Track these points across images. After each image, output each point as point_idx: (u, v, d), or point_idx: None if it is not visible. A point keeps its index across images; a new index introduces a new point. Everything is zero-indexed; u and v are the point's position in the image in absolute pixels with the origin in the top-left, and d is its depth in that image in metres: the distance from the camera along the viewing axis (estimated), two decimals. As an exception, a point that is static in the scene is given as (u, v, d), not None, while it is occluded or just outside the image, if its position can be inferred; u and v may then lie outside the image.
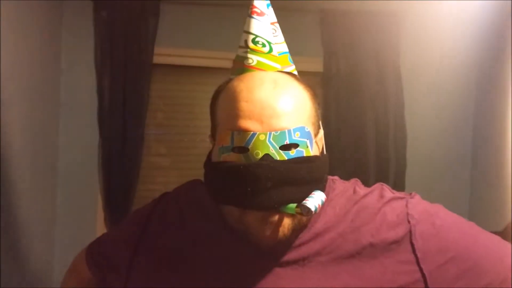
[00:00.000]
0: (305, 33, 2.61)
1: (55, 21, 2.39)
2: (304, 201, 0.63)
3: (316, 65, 2.61)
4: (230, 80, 0.75)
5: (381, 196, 0.75)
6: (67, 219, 2.49)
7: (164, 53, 2.55)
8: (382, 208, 0.72)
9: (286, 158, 0.64)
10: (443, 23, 2.52)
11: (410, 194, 0.77)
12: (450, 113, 2.62)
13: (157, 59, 2.50)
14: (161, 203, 0.86)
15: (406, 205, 0.73)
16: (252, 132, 0.64)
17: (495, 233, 0.76)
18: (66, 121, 2.49)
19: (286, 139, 0.64)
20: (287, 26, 2.53)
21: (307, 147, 0.66)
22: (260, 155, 0.63)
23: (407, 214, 0.71)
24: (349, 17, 2.54)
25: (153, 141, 2.67)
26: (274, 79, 0.69)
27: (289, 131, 0.64)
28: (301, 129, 0.66)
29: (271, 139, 0.64)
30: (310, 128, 0.68)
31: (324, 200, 0.65)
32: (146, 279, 0.77)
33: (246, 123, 0.64)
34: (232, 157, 0.66)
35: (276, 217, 0.66)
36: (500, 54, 2.04)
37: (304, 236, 0.70)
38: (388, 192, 0.76)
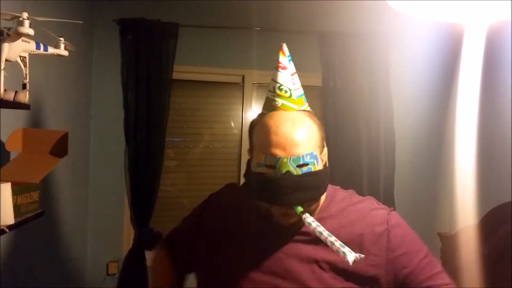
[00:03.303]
0: (306, 52, 2.94)
1: (86, 42, 2.70)
2: (306, 215, 0.97)
3: (316, 80, 2.95)
4: (263, 114, 1.06)
5: (371, 205, 1.12)
6: (98, 217, 2.82)
7: (182, 70, 2.88)
8: (371, 212, 1.10)
9: (300, 173, 0.96)
10: (425, 42, 2.86)
11: (390, 208, 1.14)
12: (434, 122, 2.97)
13: (176, 76, 2.83)
14: (210, 201, 1.27)
15: (388, 214, 1.10)
16: (278, 156, 0.96)
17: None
18: (96, 131, 2.81)
19: (300, 161, 0.96)
20: (290, 45, 2.90)
21: (314, 164, 0.98)
22: (283, 171, 0.96)
23: (387, 220, 1.08)
24: (344, 38, 2.88)
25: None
26: (293, 118, 1.01)
27: (303, 156, 0.96)
28: (310, 153, 0.98)
29: (291, 161, 0.96)
30: (316, 151, 1.00)
31: (311, 221, 0.98)
32: (207, 249, 1.14)
33: (275, 150, 0.97)
34: (265, 170, 0.98)
35: (290, 211, 0.99)
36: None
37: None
38: (375, 204, 1.13)
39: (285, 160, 0.95)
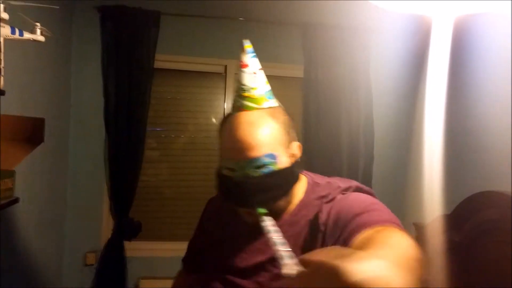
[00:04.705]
0: (289, 43, 2.96)
1: (65, 29, 2.66)
2: (265, 218, 0.93)
3: (298, 72, 2.97)
4: (228, 116, 1.06)
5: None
6: (76, 206, 2.79)
7: (164, 59, 2.86)
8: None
9: (261, 174, 0.96)
10: (405, 36, 2.89)
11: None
12: (411, 113, 3.00)
13: (157, 64, 2.80)
14: (207, 204, 1.28)
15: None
16: (236, 160, 0.97)
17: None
18: (75, 120, 2.78)
19: (258, 163, 0.96)
20: (274, 37, 2.93)
21: (275, 164, 0.97)
22: (243, 174, 0.97)
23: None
24: (327, 31, 2.90)
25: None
26: (251, 120, 0.99)
27: (260, 157, 0.96)
28: (269, 154, 0.97)
29: (248, 164, 0.96)
30: (278, 150, 0.98)
31: (268, 225, 0.92)
32: (207, 249, 1.16)
33: (232, 154, 0.98)
34: (228, 173, 1.00)
35: (254, 211, 0.97)
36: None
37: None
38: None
39: (242, 163, 0.96)
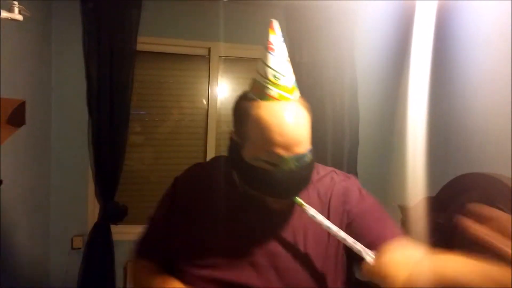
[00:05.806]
0: (273, 25, 2.93)
1: (45, 9, 2.58)
2: (308, 207, 0.98)
3: (282, 54, 2.94)
4: (254, 101, 0.96)
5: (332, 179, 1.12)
6: (61, 190, 2.76)
7: (146, 42, 2.81)
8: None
9: (298, 168, 0.95)
10: (390, 21, 2.89)
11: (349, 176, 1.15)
12: (397, 98, 3.03)
13: (139, 47, 2.75)
14: (179, 185, 1.18)
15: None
16: (283, 156, 0.92)
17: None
18: (58, 102, 2.73)
19: (302, 159, 0.95)
20: (255, 18, 2.88)
21: (310, 157, 0.98)
22: (287, 168, 0.93)
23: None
24: (311, 13, 2.87)
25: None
26: (294, 113, 0.94)
27: (305, 153, 0.95)
28: (310, 150, 0.97)
29: (293, 159, 0.93)
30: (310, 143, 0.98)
31: (315, 214, 0.99)
32: (187, 233, 1.10)
33: (279, 150, 0.92)
34: (266, 166, 0.95)
35: (283, 201, 1.01)
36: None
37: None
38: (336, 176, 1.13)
39: (288, 159, 0.93)
